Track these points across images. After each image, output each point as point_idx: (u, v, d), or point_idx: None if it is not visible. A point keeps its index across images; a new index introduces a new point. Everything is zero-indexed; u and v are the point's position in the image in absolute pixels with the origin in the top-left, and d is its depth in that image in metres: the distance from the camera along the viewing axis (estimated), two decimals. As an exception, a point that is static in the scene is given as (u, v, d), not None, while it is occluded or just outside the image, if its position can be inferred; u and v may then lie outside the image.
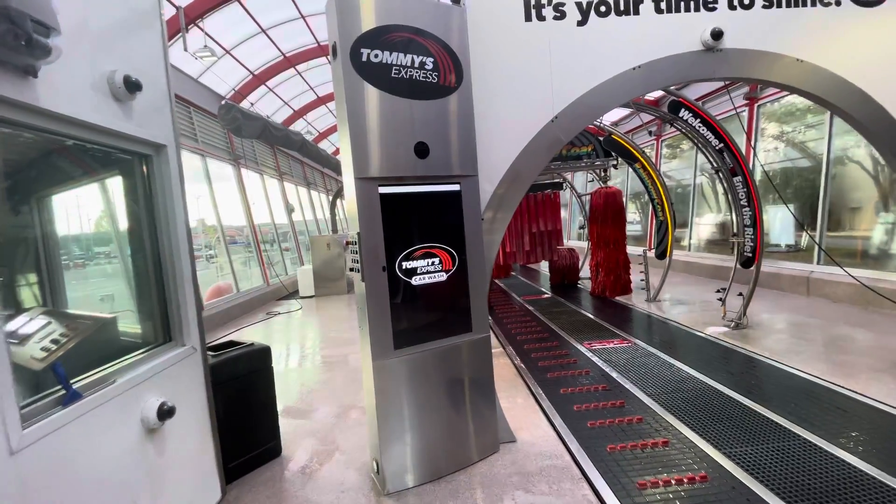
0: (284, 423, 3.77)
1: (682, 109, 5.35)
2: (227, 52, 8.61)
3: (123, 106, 2.17)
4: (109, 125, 2.04)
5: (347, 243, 2.61)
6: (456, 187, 2.76)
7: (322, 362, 5.61)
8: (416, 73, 2.57)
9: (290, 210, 13.04)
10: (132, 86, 2.09)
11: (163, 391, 2.25)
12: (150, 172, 2.42)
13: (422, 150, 2.57)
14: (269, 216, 11.84)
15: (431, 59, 2.61)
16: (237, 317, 8.37)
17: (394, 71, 2.51)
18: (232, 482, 2.91)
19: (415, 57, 2.56)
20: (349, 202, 2.54)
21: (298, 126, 12.35)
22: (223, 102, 6.83)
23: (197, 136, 8.64)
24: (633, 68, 3.01)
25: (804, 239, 7.81)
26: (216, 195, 9.08)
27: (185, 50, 6.79)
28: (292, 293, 10.75)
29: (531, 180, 3.06)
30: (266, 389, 3.18)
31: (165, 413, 2.15)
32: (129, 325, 2.65)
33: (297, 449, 3.32)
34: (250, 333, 7.26)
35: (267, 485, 2.91)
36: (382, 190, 2.52)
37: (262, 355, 3.16)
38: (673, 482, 2.57)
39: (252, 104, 10.37)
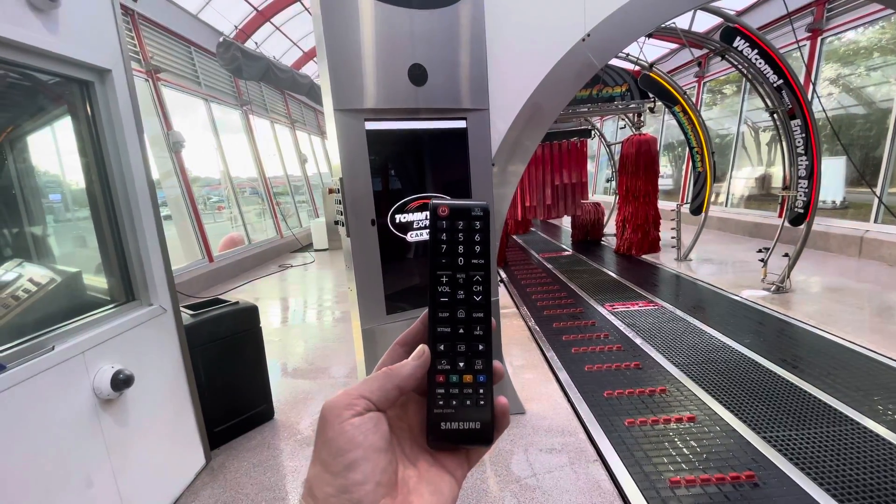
0: (288, 385, 3.59)
1: (738, 38, 4.55)
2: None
3: (44, 17, 1.75)
4: (22, 39, 1.64)
5: (330, 191, 2.21)
6: (461, 124, 2.28)
7: (334, 319, 5.41)
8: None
9: (303, 160, 12.62)
10: (47, -13, 1.67)
11: (122, 356, 1.99)
12: (93, 104, 2.04)
13: (418, 75, 2.08)
14: (280, 166, 11.48)
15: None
16: (249, 269, 8.26)
17: (385, -29, 1.99)
18: (218, 447, 2.74)
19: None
20: (330, 141, 2.11)
21: (308, 69, 11.64)
22: (221, 40, 6.28)
23: (200, 79, 8.16)
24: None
25: (863, 194, 7.00)
26: (223, 143, 8.71)
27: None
28: (306, 246, 10.57)
29: (553, 117, 2.55)
30: (254, 351, 2.94)
31: (122, 382, 1.89)
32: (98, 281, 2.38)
33: (295, 413, 3.12)
34: (263, 286, 7.13)
35: (255, 451, 2.72)
36: (370, 126, 2.07)
37: (248, 315, 2.89)
38: (714, 480, 2.24)
39: (257, 44, 9.71)
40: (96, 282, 2.35)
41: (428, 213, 0.39)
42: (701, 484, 2.16)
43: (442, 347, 0.37)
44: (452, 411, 0.36)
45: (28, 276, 2.22)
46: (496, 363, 0.38)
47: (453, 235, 0.38)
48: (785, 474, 2.18)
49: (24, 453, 1.57)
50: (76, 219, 2.58)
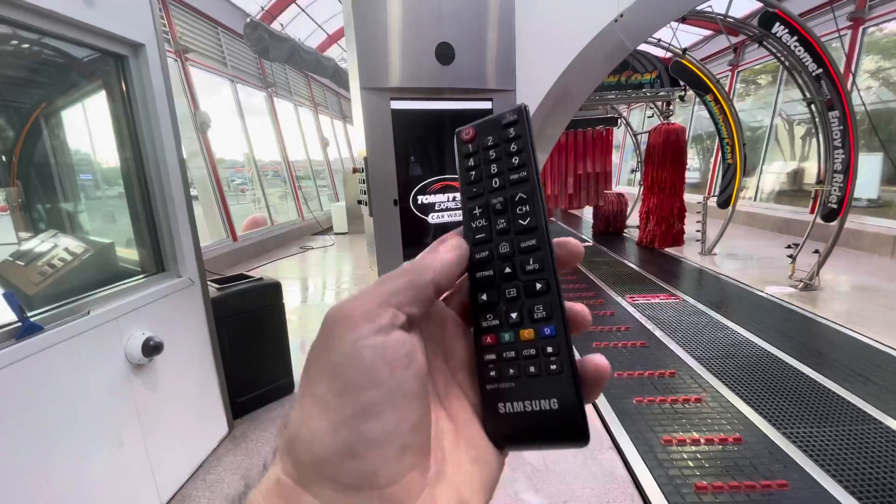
0: (302, 360, 3.68)
1: (777, 24, 4.36)
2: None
3: (84, -10, 1.79)
4: (63, 11, 1.69)
5: (354, 170, 2.22)
6: (487, 105, 2.26)
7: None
8: (443, -48, 2.01)
9: (325, 144, 12.71)
10: (86, -39, 1.70)
11: (153, 325, 2.07)
12: (127, 79, 2.09)
13: (446, 54, 2.07)
14: (303, 150, 11.58)
15: (462, -66, 2.03)
16: (271, 249, 8.42)
17: (414, -52, 1.97)
18: (240, 417, 2.83)
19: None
20: (356, 120, 2.12)
21: (332, 53, 11.64)
22: (248, 20, 6.33)
23: (226, 60, 8.25)
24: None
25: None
26: (248, 126, 8.82)
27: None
28: (326, 229, 10.70)
29: (581, 102, 2.50)
30: (277, 326, 3.01)
31: (152, 349, 1.97)
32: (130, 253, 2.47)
33: (310, 388, 3.20)
34: (284, 266, 7.27)
35: (276, 422, 2.81)
36: (395, 105, 2.07)
37: (271, 291, 2.96)
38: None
39: (283, 26, 9.74)
40: (128, 253, 2.43)
41: (455, 142, 0.30)
42: (730, 490, 2.14)
43: (485, 297, 0.27)
44: (512, 385, 0.25)
45: (63, 245, 2.31)
46: (573, 305, 0.27)
47: (485, 156, 0.29)
48: (807, 473, 2.14)
49: (60, 411, 1.65)
50: (106, 197, 2.66)
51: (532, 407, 0.25)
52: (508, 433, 0.26)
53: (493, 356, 0.26)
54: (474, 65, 2.14)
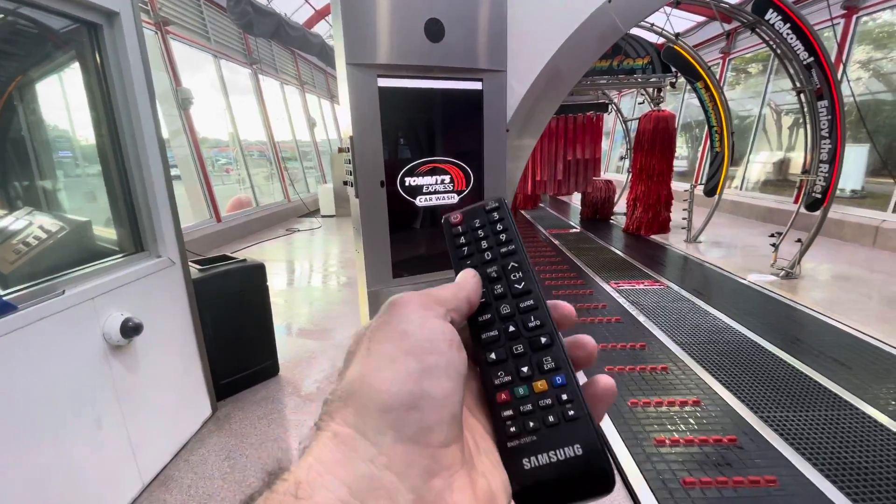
0: (295, 344, 3.66)
1: (770, 10, 4.33)
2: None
3: (51, -49, 1.69)
4: (28, -27, 1.59)
5: (340, 150, 2.17)
6: (477, 85, 2.21)
7: (339, 284, 5.46)
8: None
9: (311, 124, 12.45)
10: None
11: (132, 305, 2.02)
12: (102, 50, 1.99)
13: (435, 31, 2.01)
14: (289, 130, 11.34)
15: None
16: (256, 231, 8.29)
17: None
18: (224, 399, 2.81)
19: None
20: (342, 97, 2.06)
21: (320, 29, 11.31)
22: (232, -8, 6.10)
23: (209, 34, 7.97)
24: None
25: (881, 184, 6.82)
26: (232, 104, 8.58)
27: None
28: (313, 211, 10.57)
29: (572, 84, 2.46)
30: (261, 308, 2.97)
31: (131, 330, 1.92)
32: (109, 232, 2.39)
33: (300, 371, 3.19)
34: (270, 248, 7.18)
35: (261, 404, 2.79)
36: (382, 83, 2.01)
37: (255, 272, 2.91)
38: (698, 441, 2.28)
39: (269, 0, 9.43)
40: (106, 233, 2.36)
41: (443, 226, 0.35)
42: (686, 443, 2.26)
43: (493, 356, 0.29)
44: (533, 439, 0.26)
45: (38, 223, 2.23)
46: (559, 305, 0.30)
47: (474, 235, 0.34)
48: (783, 456, 2.21)
49: (36, 392, 1.61)
50: (86, 175, 2.57)
51: (557, 456, 0.25)
52: (536, 489, 0.26)
53: (510, 412, 0.27)
54: (464, 43, 2.09)
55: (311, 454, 0.23)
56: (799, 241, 4.95)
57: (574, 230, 8.25)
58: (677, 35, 6.13)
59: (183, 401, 2.45)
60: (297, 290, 5.41)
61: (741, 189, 9.85)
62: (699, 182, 7.31)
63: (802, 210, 5.11)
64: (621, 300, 4.42)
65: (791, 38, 4.38)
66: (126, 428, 2.00)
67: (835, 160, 4.56)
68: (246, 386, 2.93)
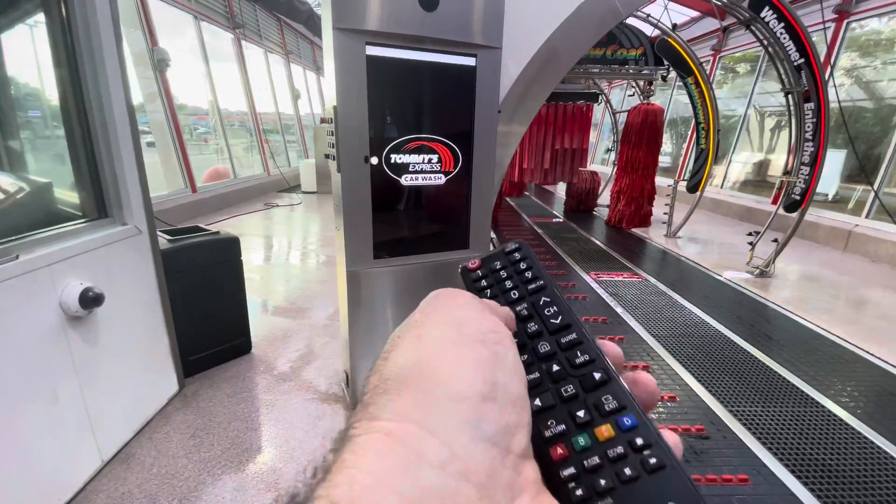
0: (270, 322, 3.56)
1: (767, 8, 4.32)
2: None
3: None
4: None
5: (323, 120, 2.06)
6: (471, 61, 2.12)
7: (318, 262, 5.34)
8: None
9: (295, 96, 12.05)
10: None
11: (93, 274, 1.90)
12: (68, 2, 1.82)
13: (430, 0, 1.90)
14: (272, 101, 10.94)
15: None
16: (234, 203, 8.04)
17: None
18: (192, 375, 2.71)
19: None
20: (326, 65, 1.95)
21: (309, -2, 10.86)
22: (215, -51, 5.75)
23: (190, -6, 7.55)
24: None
25: (856, 189, 7.01)
26: (213, 71, 8.20)
27: None
28: (294, 187, 10.31)
29: (567, 68, 2.40)
30: (234, 283, 2.86)
31: (91, 300, 1.81)
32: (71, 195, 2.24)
33: (273, 349, 3.10)
34: (248, 222, 6.97)
35: (230, 382, 2.71)
36: (371, 51, 1.91)
37: (228, 245, 2.79)
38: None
39: (255, -38, 8.97)
40: (69, 196, 2.21)
41: (461, 275, 0.32)
42: None
43: (538, 402, 0.24)
44: (611, 502, 0.20)
45: (-7, 182, 2.07)
46: (638, 378, 0.24)
47: (495, 277, 0.31)
48: (751, 450, 2.26)
49: (-17, 362, 1.50)
50: (55, 136, 2.40)
51: None
52: None
53: (572, 471, 0.21)
54: (460, 14, 1.99)
55: (352, 464, 0.17)
56: (775, 240, 5.05)
57: (557, 220, 8.27)
58: (675, 26, 6.09)
59: (147, 376, 2.35)
60: (274, 266, 5.28)
61: (722, 187, 10.01)
62: (682, 178, 7.38)
63: (781, 211, 5.21)
64: (601, 291, 4.45)
65: (784, 38, 4.39)
66: (85, 402, 1.90)
67: (816, 163, 4.63)
68: (216, 363, 2.84)
